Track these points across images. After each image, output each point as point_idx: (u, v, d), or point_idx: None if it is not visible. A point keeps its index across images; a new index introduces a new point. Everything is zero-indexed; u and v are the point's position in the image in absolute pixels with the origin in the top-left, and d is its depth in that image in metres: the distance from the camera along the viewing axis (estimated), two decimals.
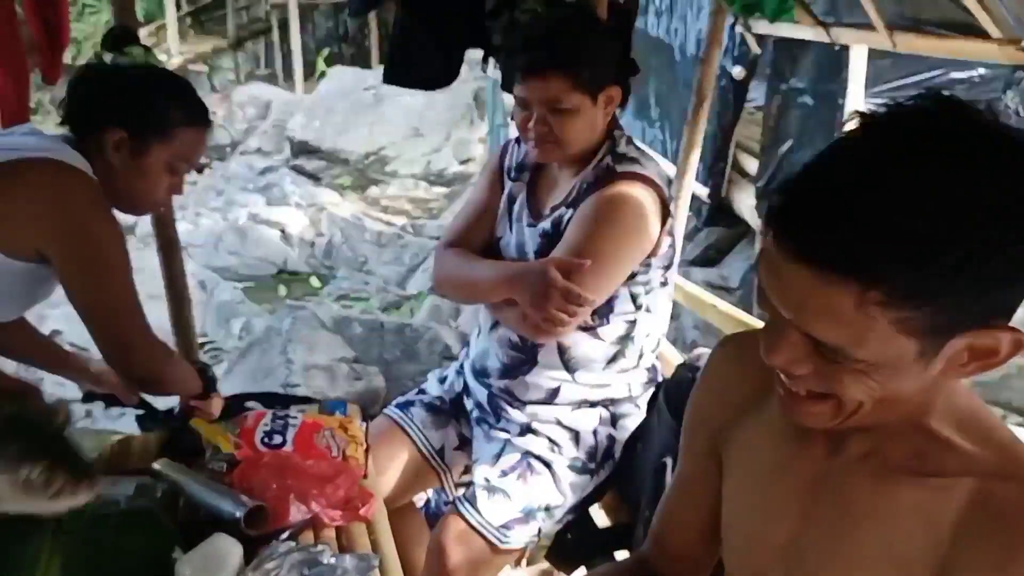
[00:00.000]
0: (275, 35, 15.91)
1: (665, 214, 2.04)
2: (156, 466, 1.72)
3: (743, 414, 1.21)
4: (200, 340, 5.32)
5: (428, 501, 2.60)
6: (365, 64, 14.33)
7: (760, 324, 1.40)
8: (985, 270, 0.84)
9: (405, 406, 2.37)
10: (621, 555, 2.16)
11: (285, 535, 1.57)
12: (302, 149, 10.76)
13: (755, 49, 4.75)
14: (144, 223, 7.24)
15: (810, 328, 0.93)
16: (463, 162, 10.48)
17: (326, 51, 15.40)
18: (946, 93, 0.91)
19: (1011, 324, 0.91)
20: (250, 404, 2.06)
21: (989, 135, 0.87)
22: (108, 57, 1.86)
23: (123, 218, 1.87)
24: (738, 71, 5.25)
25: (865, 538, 1.04)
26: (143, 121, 1.81)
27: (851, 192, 0.86)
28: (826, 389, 0.98)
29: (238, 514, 1.53)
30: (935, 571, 0.97)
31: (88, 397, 2.15)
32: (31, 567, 1.40)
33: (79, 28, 12.47)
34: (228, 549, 1.45)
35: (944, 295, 0.86)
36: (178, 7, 15.71)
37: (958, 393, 1.03)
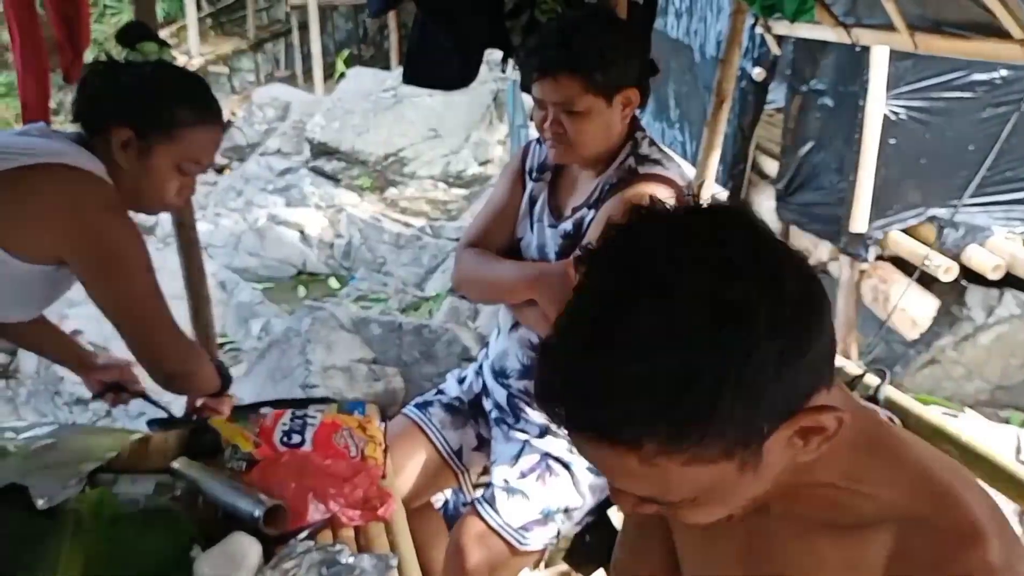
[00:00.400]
0: (295, 36, 15.96)
1: None
2: (175, 465, 1.72)
3: None
4: (219, 340, 5.34)
5: (446, 502, 2.60)
6: (384, 65, 14.34)
7: None
8: (730, 388, 0.80)
9: (424, 406, 2.36)
10: None
11: (304, 534, 1.57)
12: (321, 150, 10.77)
13: (775, 50, 4.71)
14: (164, 224, 7.29)
15: (620, 487, 0.92)
16: (482, 163, 10.48)
17: (345, 52, 15.46)
18: (636, 213, 0.90)
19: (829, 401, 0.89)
20: (264, 411, 2.05)
21: (678, 257, 0.84)
22: (122, 54, 1.80)
23: (143, 218, 1.85)
24: (758, 72, 5.22)
25: None
26: (149, 119, 1.74)
27: (588, 364, 0.84)
28: (682, 520, 0.98)
29: (257, 513, 1.54)
30: None
31: (98, 395, 2.14)
32: (52, 565, 1.41)
33: (100, 29, 12.54)
34: (247, 548, 1.46)
35: (712, 427, 0.82)
36: (198, 8, 15.78)
37: (836, 448, 0.94)
